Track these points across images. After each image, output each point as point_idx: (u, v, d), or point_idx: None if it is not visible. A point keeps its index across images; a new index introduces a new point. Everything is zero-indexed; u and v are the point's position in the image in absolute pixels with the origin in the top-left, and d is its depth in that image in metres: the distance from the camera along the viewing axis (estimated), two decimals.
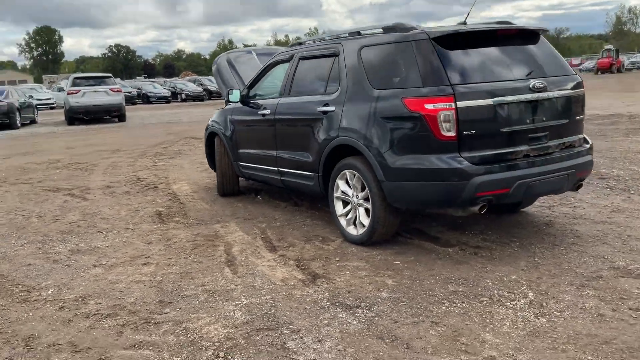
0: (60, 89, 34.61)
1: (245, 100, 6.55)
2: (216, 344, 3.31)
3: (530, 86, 4.44)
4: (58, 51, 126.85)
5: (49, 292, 4.26)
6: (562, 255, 4.47)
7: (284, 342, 3.28)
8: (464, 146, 4.28)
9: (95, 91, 20.94)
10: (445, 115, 4.22)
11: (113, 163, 10.81)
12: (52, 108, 35.07)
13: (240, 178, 7.19)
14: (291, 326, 3.48)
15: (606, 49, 51.98)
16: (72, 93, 20.84)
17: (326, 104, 5.18)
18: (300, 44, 6.16)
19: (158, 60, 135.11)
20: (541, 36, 4.96)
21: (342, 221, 5.15)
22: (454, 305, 3.67)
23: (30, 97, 24.01)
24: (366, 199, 4.83)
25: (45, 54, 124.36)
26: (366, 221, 4.86)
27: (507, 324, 3.38)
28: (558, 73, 4.79)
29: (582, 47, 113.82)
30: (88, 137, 16.38)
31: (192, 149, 12.44)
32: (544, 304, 3.61)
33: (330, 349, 3.18)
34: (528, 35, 4.89)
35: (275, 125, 5.96)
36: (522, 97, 4.41)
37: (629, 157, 8.52)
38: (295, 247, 5.05)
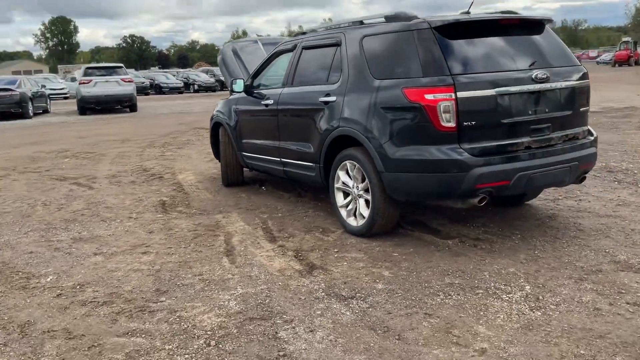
0: (74, 79, 34.84)
1: (249, 90, 6.54)
2: (208, 332, 3.32)
3: (533, 77, 4.38)
4: (73, 41, 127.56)
5: (48, 279, 4.29)
6: (562, 249, 4.42)
7: (276, 332, 3.28)
8: (464, 137, 4.23)
9: (106, 81, 21.04)
10: (445, 106, 4.17)
11: (121, 153, 10.86)
12: (65, 98, 35.32)
13: (245, 169, 7.19)
14: (284, 316, 3.48)
15: (624, 41, 51.26)
16: (84, 83, 20.96)
17: (327, 94, 5.15)
18: (304, 33, 6.13)
19: (172, 50, 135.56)
20: (546, 26, 4.88)
21: (343, 212, 5.13)
22: (449, 297, 3.64)
23: (43, 86, 24.16)
24: (366, 190, 4.81)
25: (60, 44, 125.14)
26: (366, 212, 4.83)
27: (501, 316, 3.35)
28: (562, 64, 4.72)
29: (600, 39, 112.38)
30: (98, 127, 16.48)
31: (200, 139, 12.46)
32: (540, 297, 3.57)
33: (322, 339, 3.17)
34: (532, 25, 4.81)
35: (278, 115, 5.94)
36: (524, 87, 4.35)
37: None
38: (295, 237, 5.04)
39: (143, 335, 3.31)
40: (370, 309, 3.52)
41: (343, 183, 5.09)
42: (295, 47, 5.93)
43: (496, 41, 4.61)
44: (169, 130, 14.56)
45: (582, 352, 2.92)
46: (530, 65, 4.50)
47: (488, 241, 4.67)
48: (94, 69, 22.36)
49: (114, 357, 3.08)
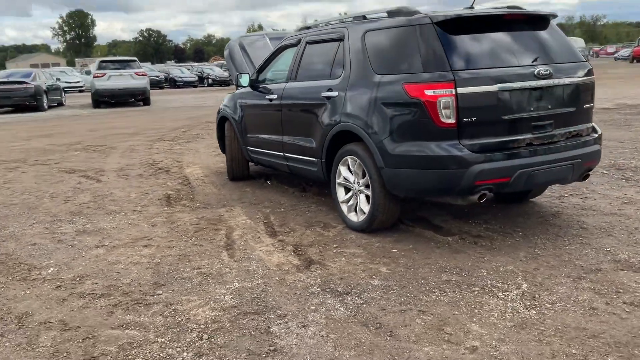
0: (89, 72, 35.11)
1: (254, 84, 6.54)
2: (202, 326, 3.33)
3: (535, 73, 4.33)
4: (91, 35, 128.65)
5: (49, 271, 4.34)
6: (563, 247, 4.38)
7: (269, 327, 3.29)
8: (464, 133, 4.20)
9: (120, 75, 21.19)
10: (445, 102, 4.14)
11: (131, 146, 10.94)
12: (81, 91, 35.64)
13: (251, 163, 7.21)
14: (278, 311, 3.49)
15: None
16: (97, 76, 21.14)
17: (330, 89, 5.14)
18: (309, 27, 6.11)
19: (188, 44, 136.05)
20: (551, 22, 4.82)
21: (344, 207, 5.12)
22: (444, 294, 3.62)
23: (58, 79, 24.40)
24: (367, 186, 4.80)
25: (78, 37, 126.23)
26: (366, 208, 4.82)
27: (496, 314, 3.33)
28: (567, 60, 4.66)
29: (619, 35, 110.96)
30: (111, 120, 16.60)
31: (210, 133, 12.49)
32: (537, 296, 3.54)
33: (313, 335, 3.17)
34: (536, 21, 4.75)
35: (281, 110, 5.95)
36: (526, 84, 4.30)
37: None
38: (295, 232, 5.05)
39: (137, 328, 3.34)
40: (365, 305, 3.51)
41: (344, 178, 5.08)
42: (299, 41, 5.92)
43: (499, 37, 4.56)
44: (180, 124, 14.63)
45: (573, 351, 2.89)
46: (532, 62, 4.44)
47: (489, 238, 4.64)
48: (108, 62, 22.51)
49: (107, 349, 3.11)
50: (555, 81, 4.43)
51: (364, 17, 5.16)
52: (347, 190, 5.11)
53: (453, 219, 5.20)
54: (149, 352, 3.05)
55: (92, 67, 27.67)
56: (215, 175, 7.79)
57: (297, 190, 6.65)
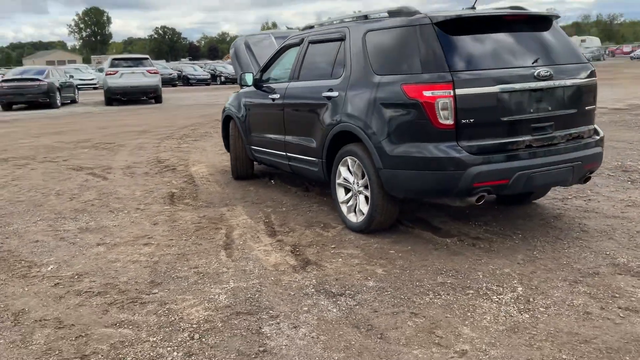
0: (101, 70, 35.38)
1: (257, 84, 6.56)
2: (194, 325, 3.35)
3: (535, 74, 4.29)
4: (106, 32, 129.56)
5: (49, 268, 4.38)
6: (562, 250, 4.34)
7: (260, 327, 3.30)
8: (462, 135, 4.18)
9: (132, 72, 21.32)
10: (443, 103, 4.12)
11: (140, 144, 11.01)
12: (95, 88, 35.92)
13: (255, 162, 7.22)
14: (271, 312, 3.49)
15: None
16: (110, 74, 21.29)
17: (331, 89, 5.13)
18: (312, 27, 6.11)
19: (203, 42, 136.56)
20: (554, 22, 4.78)
21: (343, 208, 5.12)
22: (438, 296, 3.61)
23: (71, 77, 24.60)
24: (366, 187, 4.79)
25: (93, 34, 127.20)
26: (365, 209, 4.82)
27: (488, 318, 3.31)
28: (569, 61, 4.61)
29: (636, 34, 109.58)
30: (122, 118, 16.72)
31: (218, 131, 12.45)
32: (531, 300, 3.51)
33: (304, 336, 3.18)
34: (538, 22, 4.71)
35: (284, 109, 5.95)
36: (526, 85, 4.26)
37: None
38: (295, 232, 5.05)
39: (130, 327, 3.36)
40: (357, 307, 3.51)
41: (344, 179, 5.07)
42: (302, 41, 5.92)
43: (500, 37, 4.53)
44: (189, 122, 14.69)
45: (564, 356, 2.87)
46: (533, 63, 4.41)
47: (488, 240, 4.61)
48: (120, 60, 22.67)
49: (99, 347, 3.14)
50: (556, 82, 4.39)
51: (366, 17, 5.15)
52: (347, 190, 5.11)
53: (453, 221, 5.17)
54: (140, 351, 3.07)
55: (105, 64, 27.90)
56: (220, 173, 7.82)
57: (300, 190, 6.66)
